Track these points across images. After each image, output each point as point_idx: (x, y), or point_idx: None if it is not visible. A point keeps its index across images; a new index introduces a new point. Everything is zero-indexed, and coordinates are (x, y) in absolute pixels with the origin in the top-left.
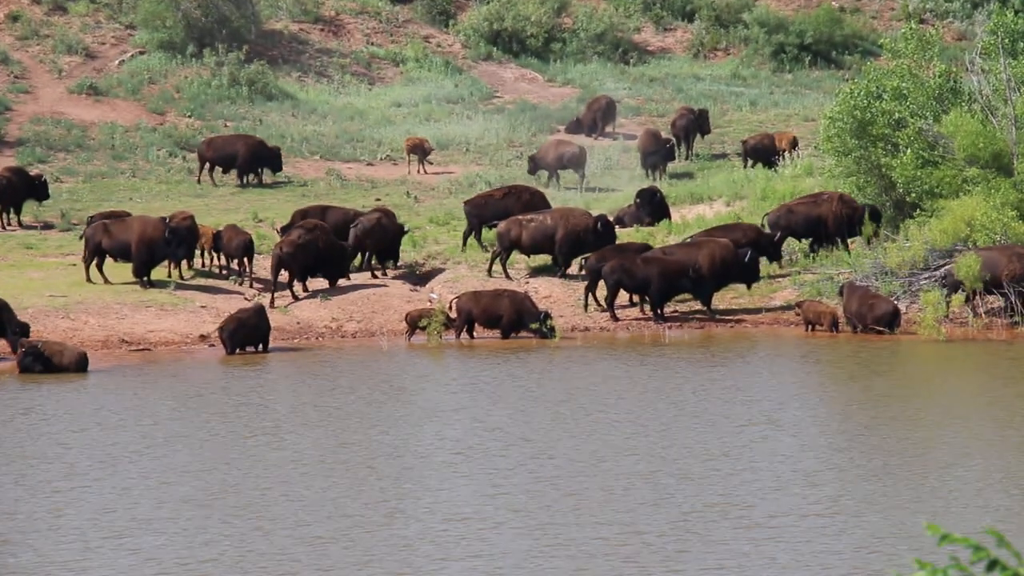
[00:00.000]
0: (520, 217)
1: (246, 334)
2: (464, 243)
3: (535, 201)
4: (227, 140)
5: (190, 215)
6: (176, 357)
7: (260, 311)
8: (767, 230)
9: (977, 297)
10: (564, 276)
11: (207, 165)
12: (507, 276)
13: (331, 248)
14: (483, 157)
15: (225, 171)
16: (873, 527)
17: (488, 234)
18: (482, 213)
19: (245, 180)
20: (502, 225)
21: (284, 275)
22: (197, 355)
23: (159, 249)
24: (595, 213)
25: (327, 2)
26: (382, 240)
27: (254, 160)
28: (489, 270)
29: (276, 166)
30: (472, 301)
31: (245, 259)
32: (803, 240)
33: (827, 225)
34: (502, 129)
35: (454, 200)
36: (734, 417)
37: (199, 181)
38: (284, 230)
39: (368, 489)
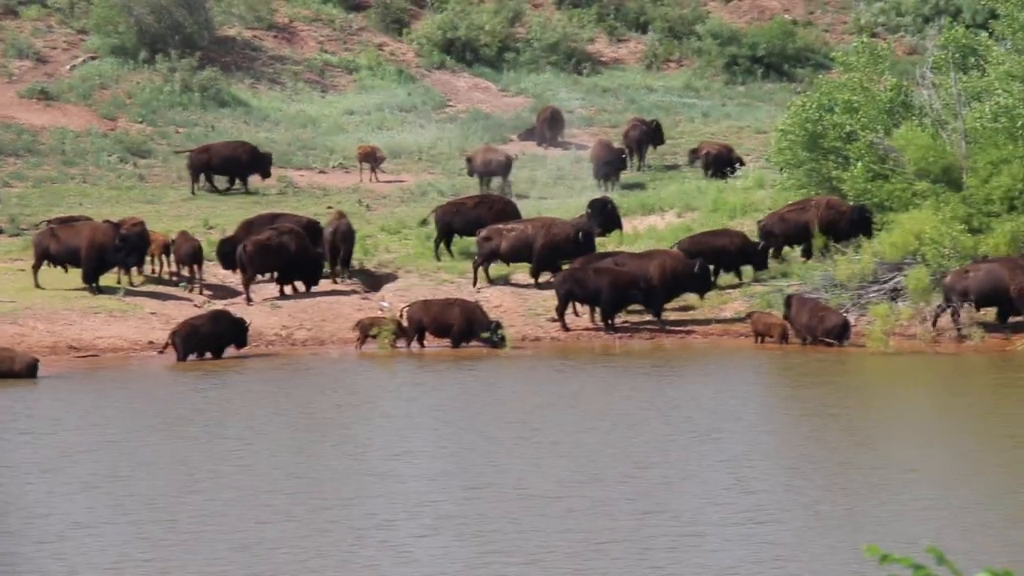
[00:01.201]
0: (501, 226)
1: (200, 340)
2: (436, 251)
3: (507, 210)
4: (225, 146)
5: (140, 221)
6: (124, 363)
7: (215, 317)
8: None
9: (944, 312)
10: (537, 286)
11: (198, 171)
12: (475, 284)
13: (305, 252)
14: (435, 166)
15: (229, 178)
16: (803, 539)
17: (460, 242)
18: (453, 221)
19: (234, 185)
20: (483, 234)
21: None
22: (146, 362)
23: (109, 255)
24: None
25: (281, 9)
26: (352, 244)
27: (251, 165)
28: (474, 282)
29: (266, 172)
30: (423, 310)
31: (195, 266)
32: (796, 247)
33: (812, 231)
34: (455, 138)
35: (406, 209)
36: (672, 427)
37: (194, 192)
38: (224, 242)
39: (291, 497)
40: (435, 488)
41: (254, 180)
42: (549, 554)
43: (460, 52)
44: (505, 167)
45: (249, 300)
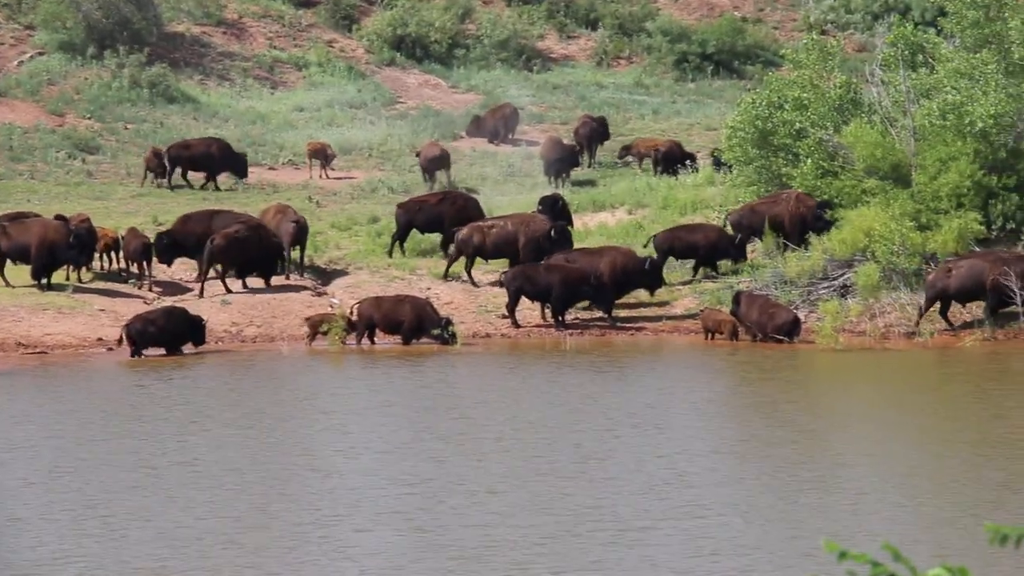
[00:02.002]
0: (481, 224)
1: (153, 335)
2: (391, 248)
3: (469, 207)
4: (200, 142)
5: (86, 217)
6: (73, 361)
7: (170, 313)
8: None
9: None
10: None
11: (176, 166)
12: (445, 276)
13: (270, 247)
14: (386, 162)
15: (203, 174)
16: (739, 533)
17: (419, 239)
18: (415, 218)
19: (215, 183)
20: (464, 232)
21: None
22: (96, 358)
23: (60, 252)
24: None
25: (229, 5)
26: (306, 239)
27: (224, 163)
28: (445, 274)
29: (242, 171)
30: (373, 307)
31: (144, 262)
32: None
33: (784, 224)
34: (405, 135)
35: (356, 205)
36: (616, 422)
37: (171, 186)
38: (161, 236)
39: (231, 493)
40: (374, 484)
41: (198, 176)
42: (488, 549)
43: (410, 49)
44: (441, 162)
45: (228, 289)
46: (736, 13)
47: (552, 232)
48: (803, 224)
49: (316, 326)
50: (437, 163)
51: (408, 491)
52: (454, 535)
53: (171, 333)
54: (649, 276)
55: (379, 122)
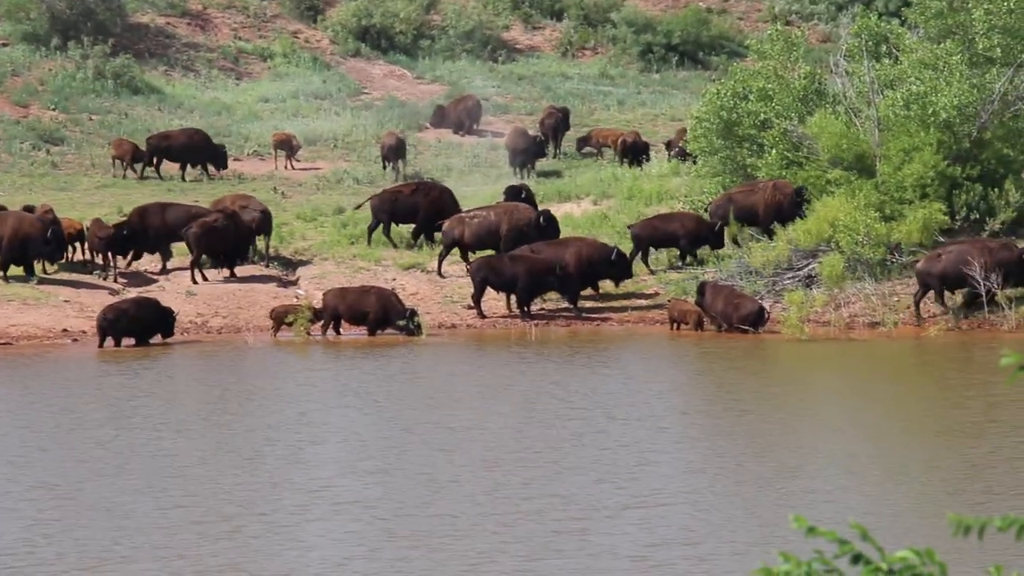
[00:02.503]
0: (463, 215)
1: (126, 325)
2: (369, 239)
3: (444, 198)
4: (180, 133)
5: (49, 208)
6: (39, 352)
7: (143, 303)
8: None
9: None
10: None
11: (156, 156)
12: (440, 274)
13: (245, 235)
14: (351, 153)
15: (185, 165)
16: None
17: (396, 230)
18: (391, 209)
19: (188, 173)
20: (447, 223)
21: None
22: (61, 350)
23: (34, 247)
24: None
25: None
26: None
27: (204, 153)
28: (439, 270)
29: (222, 162)
30: (338, 298)
31: (109, 253)
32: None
33: (759, 213)
34: (370, 125)
35: (321, 196)
36: (579, 412)
37: (161, 175)
38: (119, 227)
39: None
40: (334, 473)
41: (168, 166)
42: (449, 538)
43: (375, 39)
44: (396, 151)
45: (199, 279)
46: (701, 4)
47: (540, 220)
48: (778, 212)
49: (281, 317)
50: (392, 152)
51: (365, 481)
52: (412, 524)
53: (143, 324)
54: (616, 267)
55: (344, 113)
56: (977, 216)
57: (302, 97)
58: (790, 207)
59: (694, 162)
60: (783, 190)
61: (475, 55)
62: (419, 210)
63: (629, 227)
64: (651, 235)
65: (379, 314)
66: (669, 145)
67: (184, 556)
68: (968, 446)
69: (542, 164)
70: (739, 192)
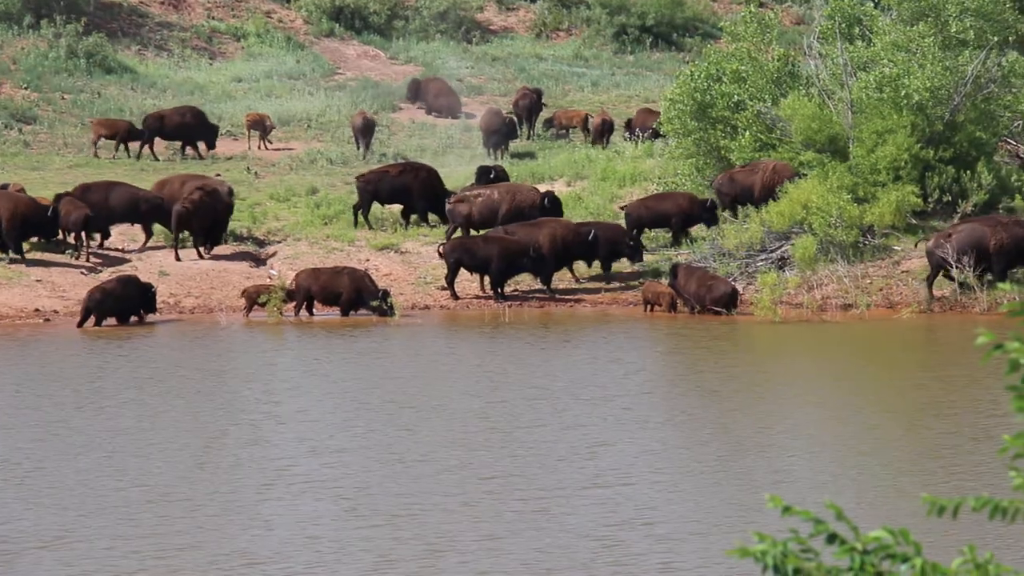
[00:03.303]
0: (469, 193)
1: (112, 305)
2: (356, 219)
3: (431, 178)
4: (174, 111)
5: (21, 187)
6: (8, 332)
7: (127, 282)
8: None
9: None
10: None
11: (153, 136)
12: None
13: (225, 212)
14: (324, 134)
15: (178, 143)
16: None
17: (376, 210)
18: (377, 189)
19: (185, 152)
20: (453, 201)
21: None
22: (34, 329)
23: (31, 227)
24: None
25: None
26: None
27: (199, 131)
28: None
29: (211, 142)
30: (311, 278)
31: (83, 233)
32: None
33: (754, 192)
34: (344, 106)
35: (295, 176)
36: (546, 393)
37: (139, 156)
38: (58, 198)
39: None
40: (300, 453)
41: (134, 145)
42: (410, 516)
43: (349, 20)
44: (361, 130)
45: (201, 255)
46: None
47: (546, 201)
48: (773, 194)
49: (253, 298)
50: (360, 132)
51: (325, 460)
52: (375, 503)
53: (127, 303)
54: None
55: (318, 93)
56: (950, 198)
57: (276, 77)
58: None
59: (639, 139)
60: (782, 173)
61: (449, 36)
62: (406, 190)
63: (622, 207)
64: (644, 215)
65: (352, 295)
66: (629, 125)
67: (140, 536)
68: (939, 426)
69: (516, 145)
70: (740, 171)
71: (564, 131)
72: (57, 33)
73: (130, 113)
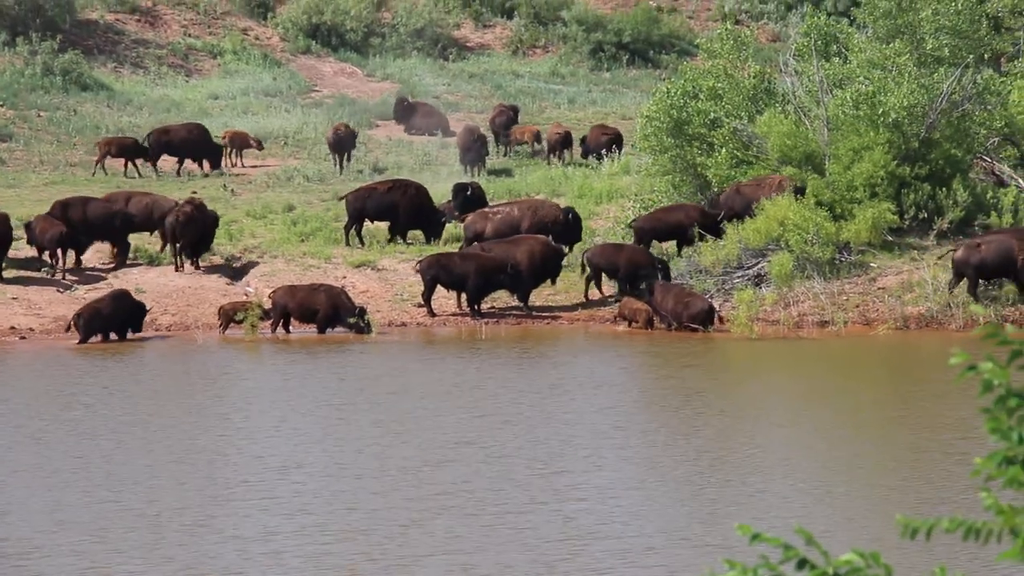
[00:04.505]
0: (486, 209)
1: (102, 322)
2: (347, 237)
3: (420, 195)
4: (180, 127)
5: None
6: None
7: (118, 297)
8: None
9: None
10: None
11: (159, 152)
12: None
13: (212, 225)
14: (301, 151)
15: (182, 160)
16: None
17: (367, 228)
18: (365, 207)
19: (188, 168)
20: (469, 218)
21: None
22: (9, 347)
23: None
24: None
25: None
26: None
27: (203, 148)
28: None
29: (216, 161)
30: (288, 295)
31: (59, 251)
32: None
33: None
34: (320, 123)
35: (271, 193)
36: (519, 409)
37: (157, 172)
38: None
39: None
40: (262, 468)
41: (117, 162)
42: (365, 533)
43: (326, 37)
44: (335, 144)
45: (178, 267)
46: (651, 3)
47: (569, 217)
48: None
49: (230, 315)
50: (333, 146)
51: (291, 477)
52: (331, 518)
53: (121, 317)
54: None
55: (294, 110)
56: (925, 215)
57: (252, 94)
58: None
59: (596, 157)
60: (788, 187)
61: (426, 53)
62: (394, 208)
63: (631, 223)
64: (654, 228)
65: (329, 312)
66: (583, 142)
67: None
68: (912, 444)
69: (492, 162)
70: (747, 185)
71: (518, 146)
72: (33, 51)
73: (106, 130)
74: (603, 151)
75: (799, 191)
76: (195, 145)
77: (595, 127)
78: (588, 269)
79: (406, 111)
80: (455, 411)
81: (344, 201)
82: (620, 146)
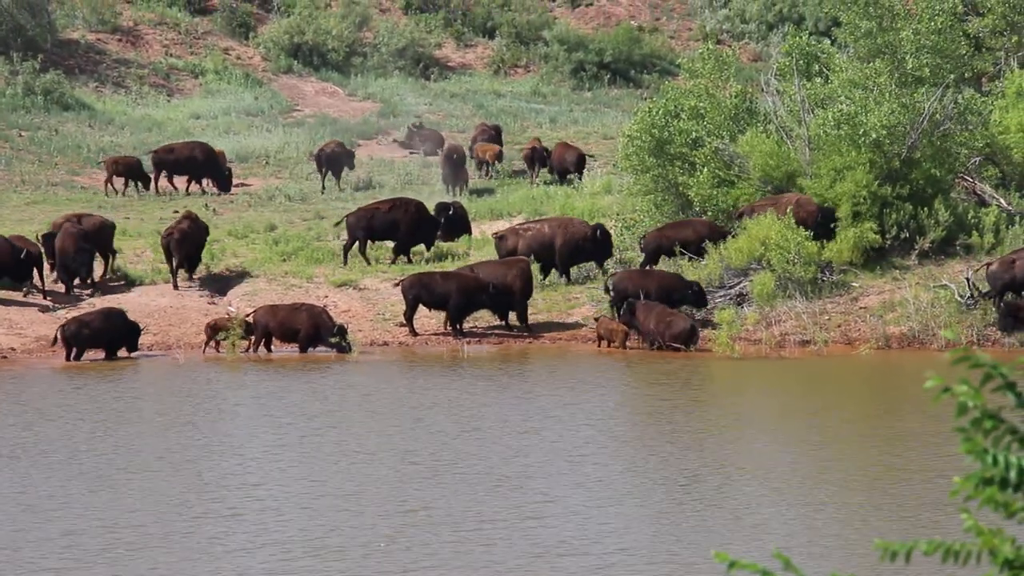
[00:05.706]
0: (517, 226)
1: (89, 337)
2: (345, 258)
3: (421, 214)
4: (185, 146)
5: None
6: None
7: (107, 314)
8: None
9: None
10: (568, 281)
11: (161, 170)
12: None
13: (202, 242)
14: (283, 170)
15: (183, 178)
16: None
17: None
18: (368, 226)
19: (198, 187)
20: (499, 234)
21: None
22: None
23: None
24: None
25: (125, 12)
26: None
27: (207, 168)
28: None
29: (223, 183)
30: (269, 315)
31: (35, 269)
32: None
33: None
34: (302, 142)
35: (253, 213)
36: (497, 428)
37: (158, 191)
38: (47, 238)
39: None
40: (231, 487)
41: (99, 182)
42: (337, 551)
43: (307, 56)
44: (324, 161)
45: (176, 286)
46: (633, 22)
47: (598, 233)
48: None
49: (212, 334)
50: (320, 162)
51: (262, 496)
52: (307, 535)
53: (111, 335)
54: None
55: (276, 130)
56: (907, 235)
57: (234, 114)
58: (814, 226)
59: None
60: (805, 207)
61: (407, 72)
62: (397, 227)
63: (641, 239)
64: (662, 244)
65: (310, 331)
66: (544, 161)
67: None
68: (891, 465)
69: (475, 182)
70: (764, 203)
71: (481, 165)
72: (14, 70)
73: (87, 150)
74: (569, 169)
75: (827, 213)
76: (198, 164)
77: (559, 144)
78: (612, 294)
79: (411, 136)
80: (430, 430)
81: (345, 222)
82: (583, 166)
